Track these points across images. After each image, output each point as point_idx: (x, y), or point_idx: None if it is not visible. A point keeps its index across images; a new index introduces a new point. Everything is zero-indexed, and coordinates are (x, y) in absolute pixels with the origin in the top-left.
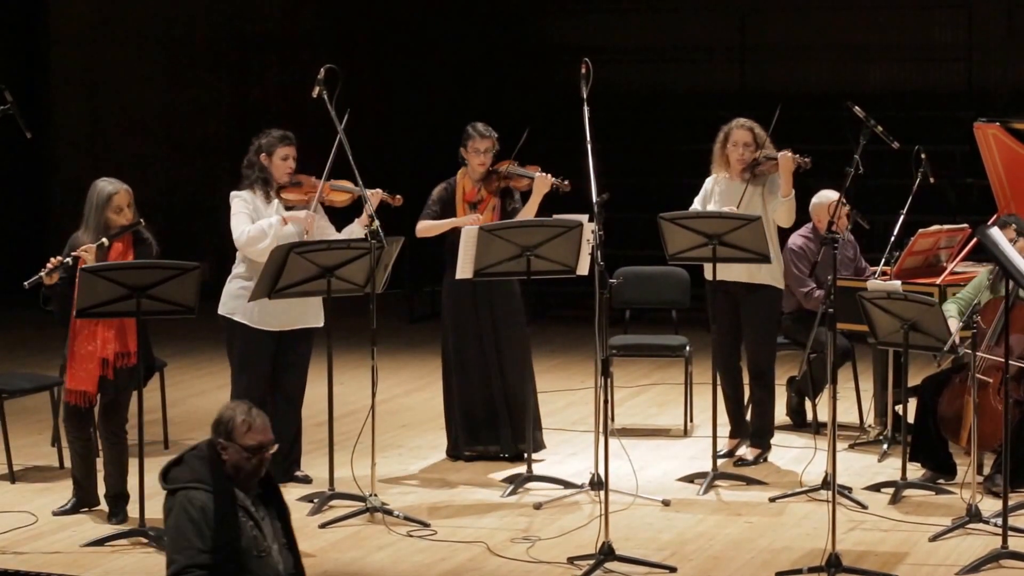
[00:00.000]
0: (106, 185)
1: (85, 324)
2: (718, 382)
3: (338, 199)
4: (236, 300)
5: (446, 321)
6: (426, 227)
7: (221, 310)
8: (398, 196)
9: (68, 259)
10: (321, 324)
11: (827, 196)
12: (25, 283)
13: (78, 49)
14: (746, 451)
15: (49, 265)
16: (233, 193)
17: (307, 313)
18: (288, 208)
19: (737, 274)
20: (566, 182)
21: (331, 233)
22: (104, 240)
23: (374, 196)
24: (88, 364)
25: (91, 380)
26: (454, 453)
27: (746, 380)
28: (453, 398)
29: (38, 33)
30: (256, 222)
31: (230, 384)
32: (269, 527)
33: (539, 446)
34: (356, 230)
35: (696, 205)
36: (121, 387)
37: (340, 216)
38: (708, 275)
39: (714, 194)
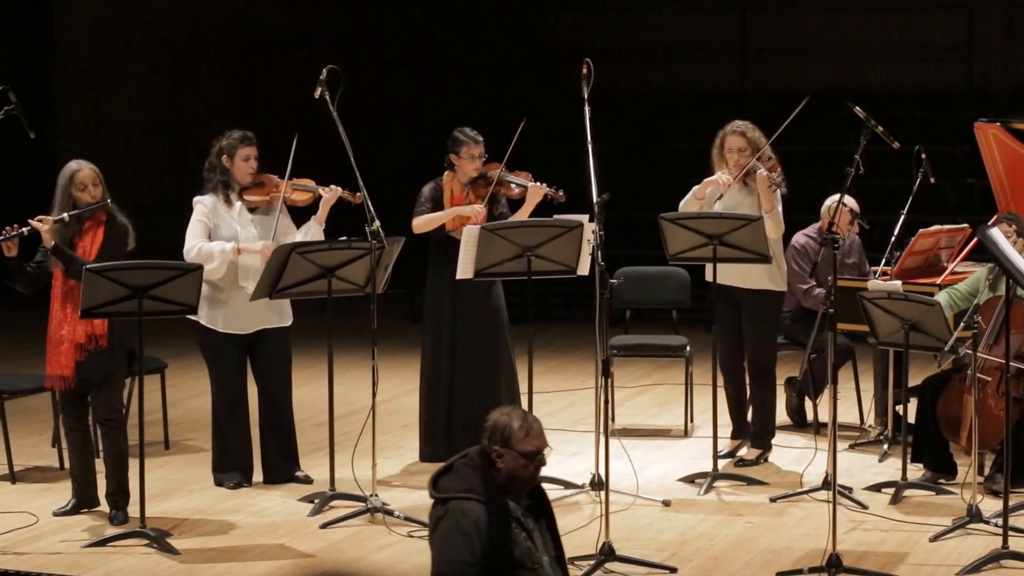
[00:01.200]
0: (72, 164)
1: (58, 310)
2: (720, 382)
3: (299, 199)
4: (200, 304)
5: (425, 323)
6: (424, 221)
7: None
8: (358, 194)
9: (24, 229)
10: (288, 323)
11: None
12: None
13: (82, 51)
14: (747, 451)
15: (3, 233)
16: (196, 198)
17: (271, 315)
18: (251, 210)
19: (734, 279)
20: (560, 192)
21: (291, 232)
22: (64, 216)
23: (332, 193)
24: (62, 347)
25: (68, 364)
26: (425, 458)
27: (747, 380)
28: (430, 404)
29: (42, 35)
30: (212, 234)
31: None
32: (539, 538)
33: None
34: (313, 227)
35: (691, 192)
36: (100, 370)
37: (299, 213)
38: (709, 276)
39: (716, 194)
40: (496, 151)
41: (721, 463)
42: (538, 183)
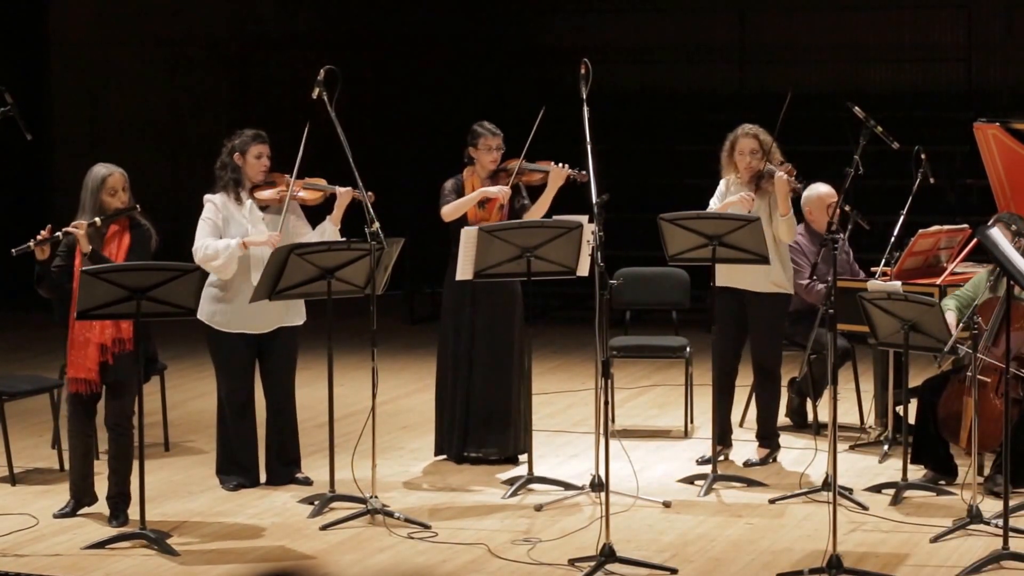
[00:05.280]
0: (101, 168)
1: None
2: (714, 382)
3: (310, 197)
4: (212, 305)
5: (444, 320)
6: (452, 208)
7: (199, 315)
8: (370, 193)
9: (59, 233)
10: (300, 322)
11: (816, 189)
12: (13, 250)
13: (78, 50)
14: (755, 452)
15: (40, 236)
16: (206, 197)
17: (284, 314)
18: (262, 208)
19: (744, 282)
20: (583, 172)
21: (306, 232)
22: (97, 219)
23: (345, 194)
24: (87, 350)
25: (92, 367)
26: (439, 451)
27: (747, 382)
28: (443, 397)
29: (38, 34)
30: (221, 232)
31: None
32: None
33: (522, 449)
34: (329, 228)
35: (714, 204)
36: (121, 373)
37: (313, 214)
38: (717, 280)
39: (728, 196)
40: (505, 150)
41: (721, 464)
42: (560, 165)
